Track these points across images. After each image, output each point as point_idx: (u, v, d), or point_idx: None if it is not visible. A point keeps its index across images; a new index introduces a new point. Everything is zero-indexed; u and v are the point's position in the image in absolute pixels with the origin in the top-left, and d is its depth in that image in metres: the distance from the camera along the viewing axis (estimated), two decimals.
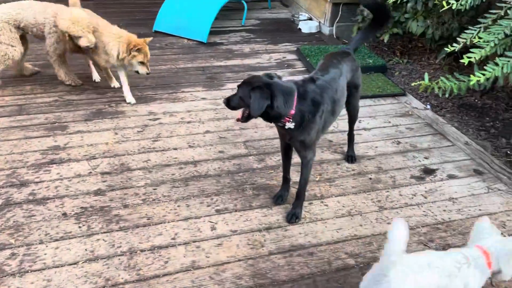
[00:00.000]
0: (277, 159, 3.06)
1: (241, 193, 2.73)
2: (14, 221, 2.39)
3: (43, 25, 3.52)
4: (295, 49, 4.91)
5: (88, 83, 3.96)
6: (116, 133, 3.25)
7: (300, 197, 2.52)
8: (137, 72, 3.52)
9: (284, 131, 2.37)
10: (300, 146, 2.38)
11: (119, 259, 2.21)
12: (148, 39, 3.48)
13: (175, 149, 3.13)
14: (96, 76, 4.03)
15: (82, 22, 3.34)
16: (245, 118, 2.30)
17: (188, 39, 5.03)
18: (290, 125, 2.26)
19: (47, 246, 2.25)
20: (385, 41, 4.51)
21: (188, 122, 3.46)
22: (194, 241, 2.35)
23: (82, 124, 3.31)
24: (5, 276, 2.07)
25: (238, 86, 2.27)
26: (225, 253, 2.29)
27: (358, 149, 3.19)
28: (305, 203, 2.63)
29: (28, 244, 2.25)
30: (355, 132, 3.08)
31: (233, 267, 2.20)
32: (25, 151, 2.96)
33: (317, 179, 2.89)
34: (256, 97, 2.14)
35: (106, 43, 3.43)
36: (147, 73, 3.54)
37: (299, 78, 2.52)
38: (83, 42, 3.37)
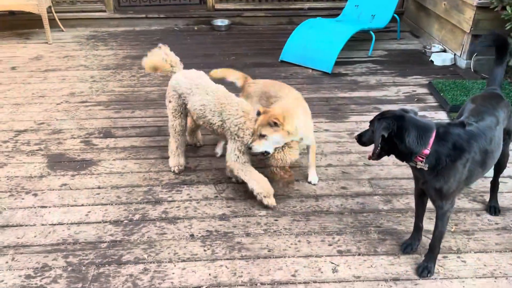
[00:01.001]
0: (406, 201, 2.84)
1: (365, 235, 2.58)
2: (148, 237, 2.56)
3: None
4: (427, 82, 4.61)
5: None
6: None
7: (433, 250, 2.28)
8: None
9: (418, 174, 2.19)
10: (436, 194, 2.16)
11: None
12: None
13: (297, 180, 3.10)
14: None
15: None
16: (377, 155, 2.18)
17: (313, 69, 5.05)
18: (422, 165, 2.08)
19: (175, 266, 2.36)
20: None
21: None
22: (315, 282, 2.26)
23: (211, 148, 3.47)
24: None
25: (371, 121, 2.19)
26: None
27: (503, 200, 2.81)
28: (439, 256, 2.37)
29: (159, 261, 2.39)
30: (500, 180, 2.73)
31: None
32: (161, 170, 3.20)
33: (452, 229, 2.60)
34: (378, 127, 2.07)
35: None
36: None
37: (445, 120, 2.32)
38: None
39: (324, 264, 2.37)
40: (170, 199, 2.89)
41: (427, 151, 2.05)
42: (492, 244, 2.49)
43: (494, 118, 2.23)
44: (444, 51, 5.29)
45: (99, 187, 3.01)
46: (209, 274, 2.30)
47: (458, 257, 2.41)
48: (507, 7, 4.12)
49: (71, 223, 2.67)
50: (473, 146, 2.08)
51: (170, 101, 3.09)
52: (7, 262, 2.38)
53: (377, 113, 2.22)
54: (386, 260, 2.39)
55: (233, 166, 2.80)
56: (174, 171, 3.15)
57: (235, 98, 2.87)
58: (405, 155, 2.10)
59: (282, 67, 5.15)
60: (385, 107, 4.04)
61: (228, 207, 2.82)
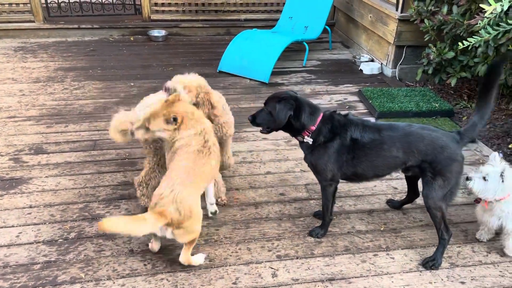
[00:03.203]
0: (340, 204, 3.00)
1: (303, 239, 2.69)
2: (85, 255, 2.49)
3: None
4: (357, 90, 4.88)
5: None
6: None
7: (324, 218, 2.68)
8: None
9: (303, 148, 2.53)
10: (312, 169, 2.55)
11: None
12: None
13: (237, 189, 3.16)
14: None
15: None
16: (268, 131, 2.52)
17: (251, 79, 5.17)
18: (308, 139, 2.41)
19: (114, 283, 2.31)
20: (452, 84, 4.37)
21: (250, 162, 3.50)
22: (255, 287, 2.32)
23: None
24: None
25: (265, 103, 2.47)
26: None
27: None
28: (370, 255, 2.54)
29: (97, 279, 2.33)
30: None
31: None
32: (97, 186, 3.12)
33: (381, 228, 2.78)
34: (281, 107, 2.34)
35: None
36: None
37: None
38: None
39: (264, 270, 2.44)
40: (108, 214, 2.83)
41: (313, 127, 2.40)
42: (417, 240, 2.70)
43: (400, 131, 2.38)
44: (372, 60, 5.64)
45: (30, 206, 2.88)
46: None
47: (387, 254, 2.58)
48: (425, 20, 4.48)
49: (0, 246, 2.53)
50: (346, 132, 2.38)
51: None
52: None
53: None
54: (322, 262, 2.51)
55: None
56: None
57: None
58: (297, 130, 2.42)
59: (220, 77, 5.21)
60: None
61: None
